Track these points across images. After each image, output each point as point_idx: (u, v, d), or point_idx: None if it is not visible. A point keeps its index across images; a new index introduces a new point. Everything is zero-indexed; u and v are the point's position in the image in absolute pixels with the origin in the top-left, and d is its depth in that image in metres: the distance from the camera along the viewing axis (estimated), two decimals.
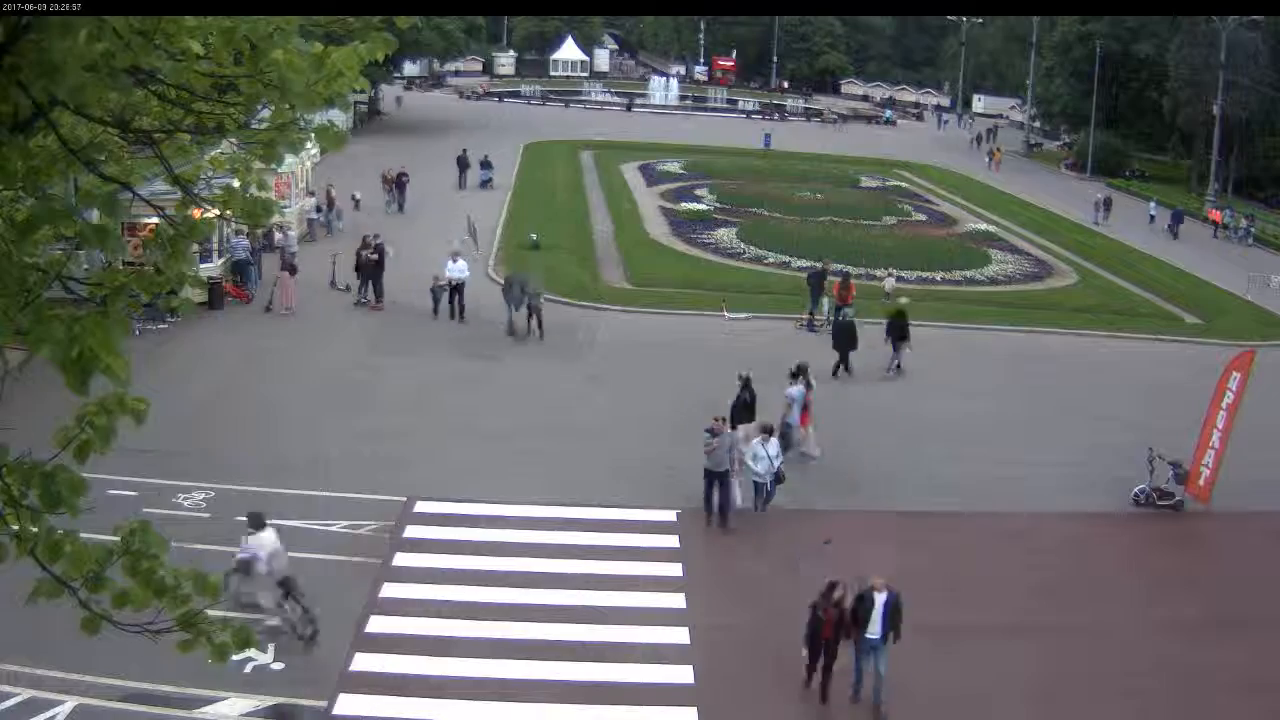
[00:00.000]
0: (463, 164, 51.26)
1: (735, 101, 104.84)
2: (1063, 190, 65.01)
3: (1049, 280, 42.28)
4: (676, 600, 16.82)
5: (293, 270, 30.98)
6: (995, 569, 18.68)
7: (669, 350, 29.50)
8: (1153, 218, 57.02)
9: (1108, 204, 57.42)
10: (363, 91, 64.63)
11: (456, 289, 30.76)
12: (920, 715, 14.54)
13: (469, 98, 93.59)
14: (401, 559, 17.60)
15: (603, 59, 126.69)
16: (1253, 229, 56.09)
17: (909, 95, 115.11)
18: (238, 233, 31.28)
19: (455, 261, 31.07)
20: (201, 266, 28.50)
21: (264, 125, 5.07)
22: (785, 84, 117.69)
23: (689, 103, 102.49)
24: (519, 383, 26.11)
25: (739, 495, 19.61)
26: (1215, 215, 58.89)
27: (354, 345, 28.28)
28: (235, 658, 5.55)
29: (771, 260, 40.89)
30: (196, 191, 5.25)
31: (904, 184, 63.19)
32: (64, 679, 13.55)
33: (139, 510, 16.19)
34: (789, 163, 66.72)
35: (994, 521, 20.39)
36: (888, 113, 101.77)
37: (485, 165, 51.39)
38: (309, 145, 5.40)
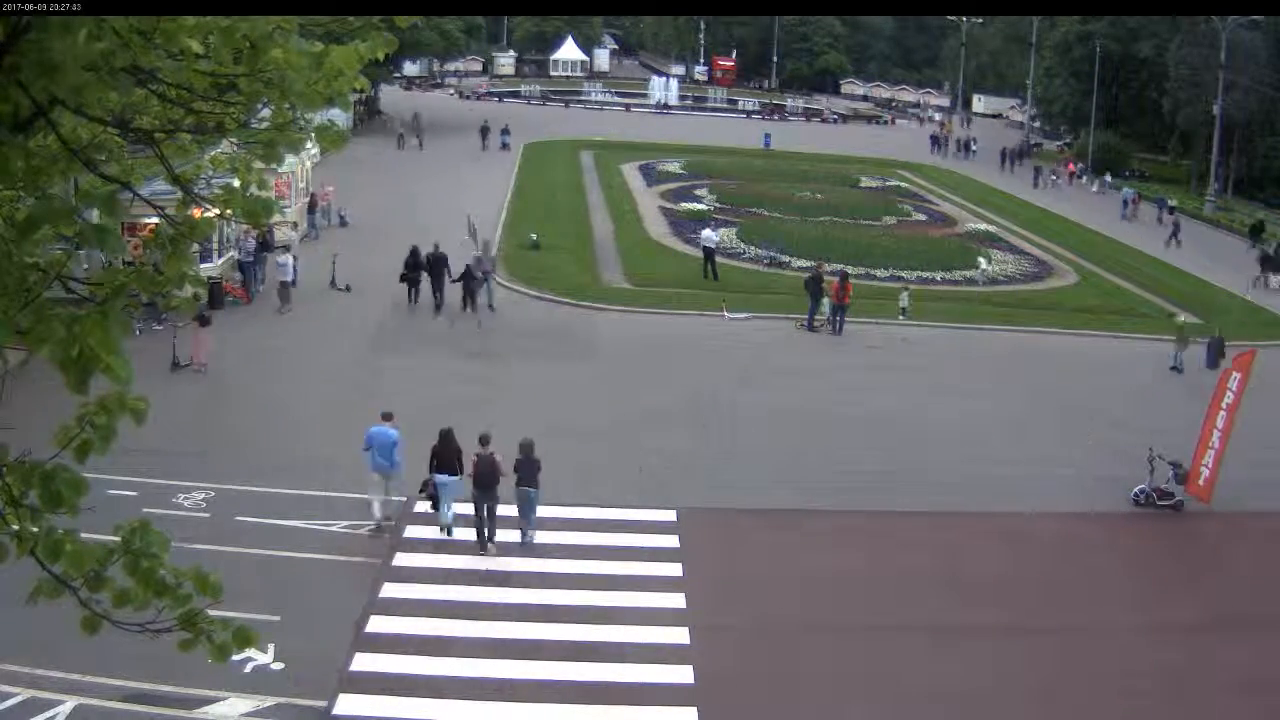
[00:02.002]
0: (484, 132, 64.88)
1: (735, 101, 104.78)
2: (1064, 192, 65.03)
3: (1049, 280, 42.29)
4: (676, 600, 16.82)
5: (205, 322, 26.06)
6: (995, 569, 18.68)
7: (669, 350, 29.51)
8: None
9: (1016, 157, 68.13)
10: (361, 91, 64.70)
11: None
12: (920, 715, 14.55)
13: (469, 98, 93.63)
14: (401, 559, 17.60)
15: (603, 59, 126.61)
16: (1114, 186, 63.64)
17: (909, 95, 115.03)
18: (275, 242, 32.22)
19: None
20: (201, 266, 28.48)
21: (264, 125, 5.07)
22: (773, 85, 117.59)
23: (689, 102, 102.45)
24: (519, 383, 26.11)
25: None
26: (1070, 166, 69.32)
27: (354, 345, 28.28)
28: (235, 658, 5.54)
29: (772, 260, 40.90)
30: (196, 191, 5.24)
31: (904, 184, 63.20)
32: (64, 679, 13.54)
33: (139, 510, 16.19)
34: (789, 163, 66.71)
35: (994, 521, 20.39)
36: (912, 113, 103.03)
37: (505, 133, 65.28)
38: (309, 145, 5.40)
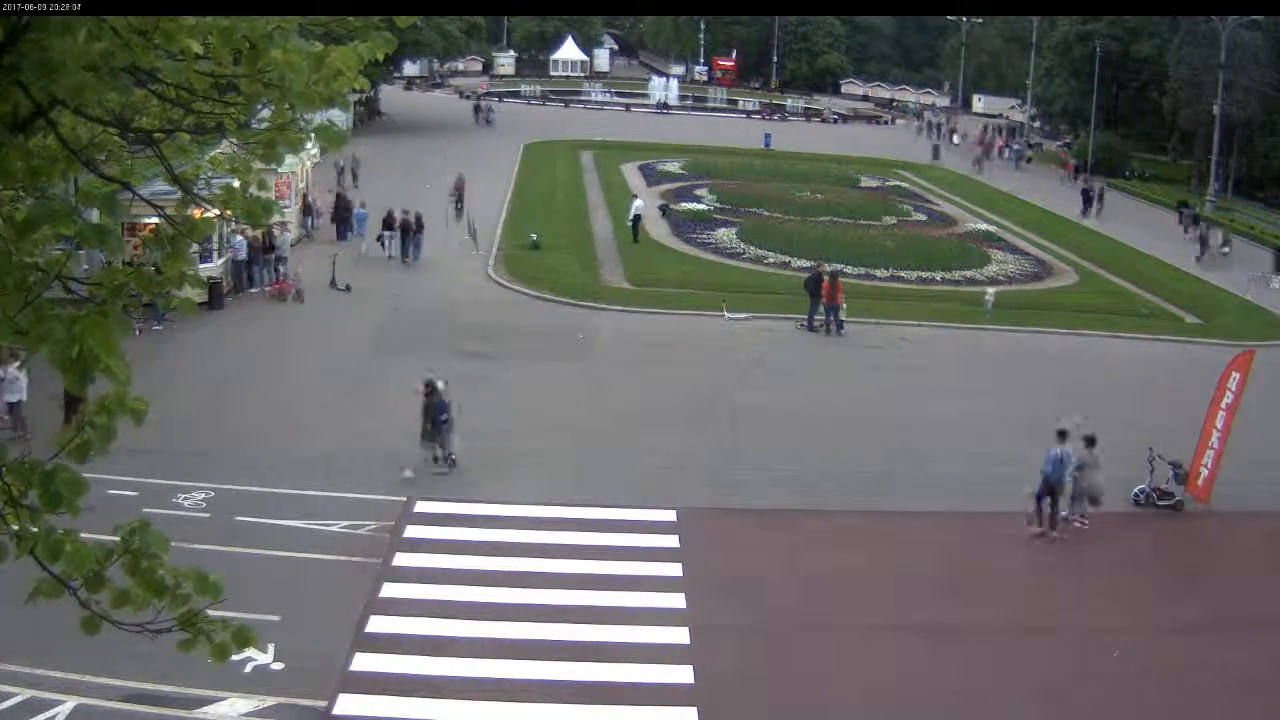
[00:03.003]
0: (477, 109, 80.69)
1: (735, 101, 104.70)
2: (1063, 192, 65.02)
3: (1049, 280, 42.30)
4: (676, 600, 16.81)
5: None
6: (995, 569, 18.68)
7: (669, 350, 29.51)
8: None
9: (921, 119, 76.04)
10: (361, 91, 64.54)
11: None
12: (920, 715, 14.55)
13: (469, 97, 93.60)
14: (401, 559, 17.60)
15: (603, 59, 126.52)
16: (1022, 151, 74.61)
17: (909, 95, 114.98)
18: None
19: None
20: (201, 266, 28.44)
21: (264, 125, 5.07)
22: (773, 85, 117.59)
23: (689, 102, 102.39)
24: (519, 382, 26.11)
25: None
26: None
27: (354, 345, 28.29)
28: (235, 658, 5.54)
29: (771, 260, 40.89)
30: (196, 191, 5.25)
31: (904, 184, 63.18)
32: (64, 679, 13.54)
33: (139, 510, 16.19)
34: (789, 163, 66.68)
35: (994, 521, 20.38)
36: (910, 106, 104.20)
37: (490, 110, 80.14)
38: (309, 145, 5.40)
